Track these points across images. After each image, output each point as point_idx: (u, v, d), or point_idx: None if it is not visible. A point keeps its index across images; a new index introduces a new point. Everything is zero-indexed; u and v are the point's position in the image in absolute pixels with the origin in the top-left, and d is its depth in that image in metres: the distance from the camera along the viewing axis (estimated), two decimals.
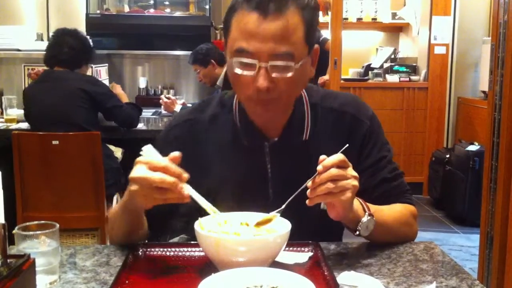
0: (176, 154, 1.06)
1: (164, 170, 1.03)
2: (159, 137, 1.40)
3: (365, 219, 1.17)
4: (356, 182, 1.09)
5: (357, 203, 1.17)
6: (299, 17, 1.16)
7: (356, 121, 1.33)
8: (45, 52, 3.21)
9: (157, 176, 1.03)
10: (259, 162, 1.30)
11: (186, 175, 1.05)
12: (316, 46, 1.25)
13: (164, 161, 1.05)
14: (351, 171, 1.09)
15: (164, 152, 1.21)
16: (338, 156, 1.07)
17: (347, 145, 1.14)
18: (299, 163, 1.29)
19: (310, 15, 1.18)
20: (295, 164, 1.30)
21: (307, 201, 1.07)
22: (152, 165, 1.04)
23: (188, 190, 1.05)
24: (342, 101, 1.35)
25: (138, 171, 1.05)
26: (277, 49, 1.14)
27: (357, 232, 1.19)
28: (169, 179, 1.03)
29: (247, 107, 1.26)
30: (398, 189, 1.35)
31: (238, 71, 1.17)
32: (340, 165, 1.06)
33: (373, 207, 1.22)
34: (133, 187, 1.06)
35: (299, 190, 1.09)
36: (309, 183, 1.07)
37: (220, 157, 1.31)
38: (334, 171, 1.06)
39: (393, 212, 1.29)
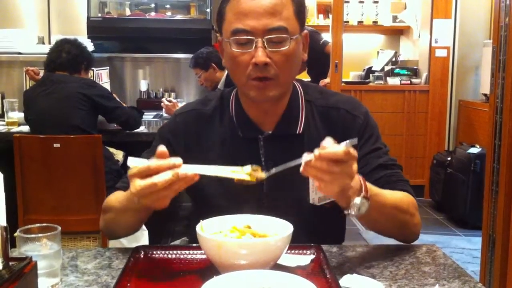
0: (162, 149, 1.05)
1: (158, 170, 1.03)
2: (163, 126, 1.45)
3: (357, 200, 1.11)
4: (348, 181, 1.04)
5: (355, 183, 1.10)
6: None
7: (351, 116, 1.35)
8: (45, 59, 3.26)
9: (158, 180, 1.02)
10: (254, 154, 1.33)
11: (179, 161, 1.04)
12: (306, 31, 1.32)
13: (153, 162, 1.04)
14: (348, 167, 1.02)
15: (170, 138, 1.35)
16: (337, 151, 1.00)
17: (356, 138, 1.10)
18: (292, 156, 1.26)
19: None
20: (289, 157, 1.26)
21: (300, 169, 1.04)
22: (144, 173, 1.03)
23: (191, 170, 1.04)
24: (337, 99, 1.39)
25: (136, 185, 1.04)
26: (271, 24, 1.21)
27: (347, 212, 1.13)
28: (168, 176, 1.02)
29: (245, 91, 1.29)
30: (395, 177, 1.31)
31: (235, 51, 1.23)
32: (338, 160, 1.01)
33: (374, 190, 1.17)
34: (143, 201, 1.06)
35: (292, 164, 1.08)
36: (305, 159, 1.03)
37: (219, 149, 1.34)
38: (323, 166, 1.01)
39: (393, 197, 1.24)
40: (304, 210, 1.24)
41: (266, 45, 1.22)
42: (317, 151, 1.01)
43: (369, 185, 1.15)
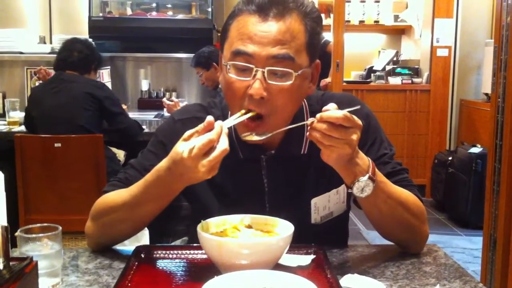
0: (210, 119, 1.02)
1: (218, 137, 1.01)
2: (160, 129, 1.34)
3: (362, 179, 1.07)
4: (348, 149, 1.02)
5: (362, 162, 1.08)
6: (301, 23, 1.13)
7: None
8: (55, 58, 3.28)
9: (225, 145, 1.01)
10: (256, 175, 1.26)
11: (220, 122, 1.03)
12: (317, 61, 1.22)
13: (210, 134, 1.01)
14: (348, 134, 1.01)
15: (167, 143, 1.23)
16: (337, 114, 1.00)
17: (358, 106, 1.09)
18: (297, 177, 1.26)
19: (312, 24, 1.15)
20: (293, 178, 1.26)
21: (307, 134, 1.05)
22: (206, 148, 1.00)
23: (225, 126, 1.04)
24: (335, 103, 1.31)
25: (204, 164, 1.00)
26: (276, 52, 1.09)
27: (349, 190, 1.10)
28: (226, 138, 1.02)
29: (236, 125, 1.16)
30: (405, 181, 1.27)
31: (232, 76, 1.13)
32: (339, 124, 1.00)
33: (382, 178, 1.14)
34: (208, 175, 1.02)
35: (295, 125, 1.11)
36: (308, 121, 1.04)
37: (219, 168, 1.28)
38: (323, 128, 1.00)
39: (403, 194, 1.19)
40: (307, 230, 1.22)
41: (266, 77, 1.10)
42: (318, 115, 1.01)
43: (378, 172, 1.12)
